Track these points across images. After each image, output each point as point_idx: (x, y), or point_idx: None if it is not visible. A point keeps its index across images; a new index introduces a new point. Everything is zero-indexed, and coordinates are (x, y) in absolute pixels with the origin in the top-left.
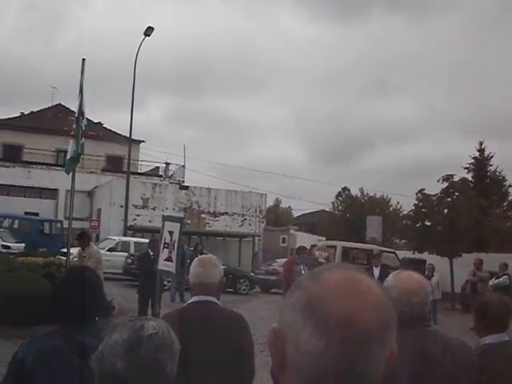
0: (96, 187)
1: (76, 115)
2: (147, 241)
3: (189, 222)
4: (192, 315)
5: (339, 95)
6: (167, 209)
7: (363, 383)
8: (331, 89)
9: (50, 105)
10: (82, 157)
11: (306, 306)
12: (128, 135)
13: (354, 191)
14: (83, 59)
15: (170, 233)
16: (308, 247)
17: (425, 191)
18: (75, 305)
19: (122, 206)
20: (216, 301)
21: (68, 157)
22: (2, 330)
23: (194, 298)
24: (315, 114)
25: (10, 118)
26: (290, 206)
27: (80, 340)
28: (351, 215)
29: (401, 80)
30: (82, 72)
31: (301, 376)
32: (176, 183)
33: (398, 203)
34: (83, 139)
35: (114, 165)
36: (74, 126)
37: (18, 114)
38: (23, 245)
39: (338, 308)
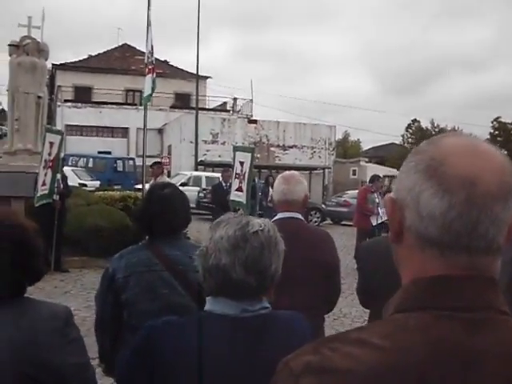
0: (166, 124)
1: (149, 50)
2: (218, 175)
3: (258, 156)
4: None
5: (409, 23)
6: (236, 143)
7: (485, 244)
8: (401, 17)
9: (117, 45)
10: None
11: (428, 167)
12: (195, 72)
13: (425, 123)
14: None
15: (241, 163)
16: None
17: (501, 119)
18: (160, 219)
19: (191, 142)
20: (301, 217)
21: (146, 93)
22: (85, 261)
23: (279, 215)
24: (385, 44)
25: (78, 61)
26: (358, 139)
27: (166, 253)
28: None
29: (476, 3)
30: (149, 6)
31: (420, 240)
32: (244, 117)
33: (471, 134)
34: (154, 75)
35: (182, 101)
36: (149, 61)
37: (86, 57)
38: (98, 182)
39: (460, 168)
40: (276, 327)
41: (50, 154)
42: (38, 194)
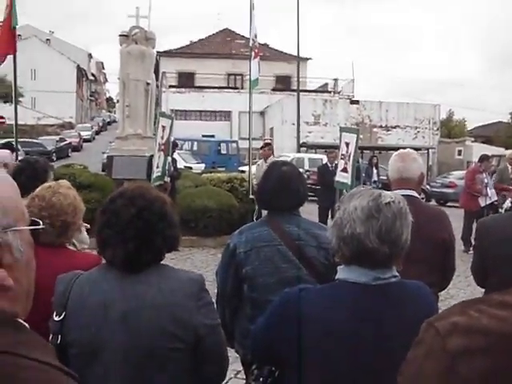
0: (267, 107)
1: (254, 34)
2: (320, 157)
3: (361, 136)
4: None
5: None
6: (338, 124)
7: None
8: None
9: (217, 30)
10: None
11: None
12: (295, 53)
13: None
14: None
15: (347, 144)
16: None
17: None
18: (279, 196)
19: (293, 124)
20: (417, 195)
21: (253, 77)
22: (194, 240)
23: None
24: (492, 19)
25: (180, 47)
26: (463, 118)
27: (284, 228)
28: None
29: None
30: None
31: None
32: (346, 98)
33: None
34: (258, 58)
35: (283, 84)
36: (254, 44)
37: (188, 43)
38: (203, 165)
39: None
40: (406, 295)
41: (162, 138)
42: (154, 176)
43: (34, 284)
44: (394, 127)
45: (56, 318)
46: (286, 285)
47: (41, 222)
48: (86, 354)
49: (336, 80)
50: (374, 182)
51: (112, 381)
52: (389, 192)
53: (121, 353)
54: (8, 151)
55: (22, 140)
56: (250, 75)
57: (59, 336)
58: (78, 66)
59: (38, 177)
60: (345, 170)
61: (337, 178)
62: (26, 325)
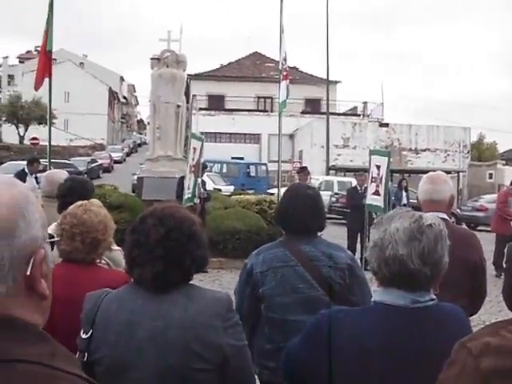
0: (297, 130)
1: (283, 56)
2: (350, 179)
3: (390, 159)
4: None
5: None
6: (368, 147)
7: None
8: None
9: (247, 54)
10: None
11: None
12: (324, 77)
13: None
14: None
15: (377, 167)
16: None
17: None
18: (298, 218)
19: (322, 147)
20: (446, 217)
21: (281, 99)
22: (222, 262)
23: None
24: None
25: (211, 70)
26: (494, 141)
27: (301, 249)
28: None
29: None
30: (281, 13)
31: None
32: (375, 121)
33: None
34: (287, 81)
35: (312, 107)
36: (284, 67)
37: (218, 66)
38: (232, 187)
39: None
40: (444, 318)
41: (193, 159)
42: (186, 197)
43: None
44: (424, 150)
45: (83, 336)
46: (303, 305)
47: (55, 235)
48: (113, 372)
49: (365, 103)
50: (404, 205)
51: None
52: (427, 215)
53: (147, 372)
54: (65, 172)
55: (54, 161)
56: (279, 97)
57: (86, 353)
58: (110, 88)
59: (87, 196)
60: (376, 192)
61: (368, 201)
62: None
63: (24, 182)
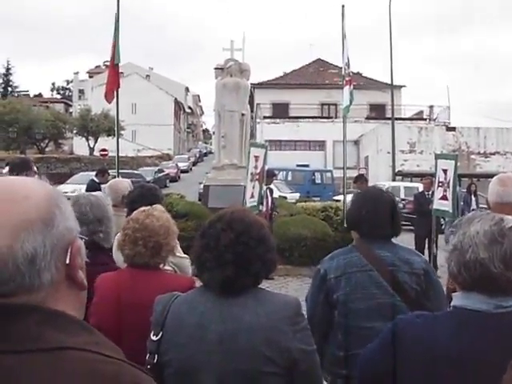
0: (362, 136)
1: (345, 62)
2: (416, 185)
3: (458, 164)
4: None
5: None
6: (434, 151)
7: None
8: None
9: (310, 61)
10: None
11: None
12: (389, 81)
13: None
14: (343, 6)
15: (444, 171)
16: None
17: None
18: (373, 223)
19: (388, 152)
20: None
21: (345, 104)
22: (289, 269)
23: None
24: None
25: (274, 78)
26: None
27: (375, 254)
28: None
29: None
30: (343, 17)
31: None
32: (442, 125)
33: None
34: (352, 86)
35: (377, 112)
36: (346, 72)
37: (281, 74)
38: (298, 194)
39: None
40: None
41: (256, 167)
42: (248, 205)
43: None
44: (494, 154)
45: (153, 338)
46: (378, 311)
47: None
48: (182, 375)
49: (431, 107)
50: (473, 210)
51: None
52: (507, 216)
53: (216, 374)
54: (128, 180)
55: (122, 171)
56: (337, 104)
57: (156, 355)
58: (176, 99)
59: (156, 203)
60: (444, 197)
61: (435, 206)
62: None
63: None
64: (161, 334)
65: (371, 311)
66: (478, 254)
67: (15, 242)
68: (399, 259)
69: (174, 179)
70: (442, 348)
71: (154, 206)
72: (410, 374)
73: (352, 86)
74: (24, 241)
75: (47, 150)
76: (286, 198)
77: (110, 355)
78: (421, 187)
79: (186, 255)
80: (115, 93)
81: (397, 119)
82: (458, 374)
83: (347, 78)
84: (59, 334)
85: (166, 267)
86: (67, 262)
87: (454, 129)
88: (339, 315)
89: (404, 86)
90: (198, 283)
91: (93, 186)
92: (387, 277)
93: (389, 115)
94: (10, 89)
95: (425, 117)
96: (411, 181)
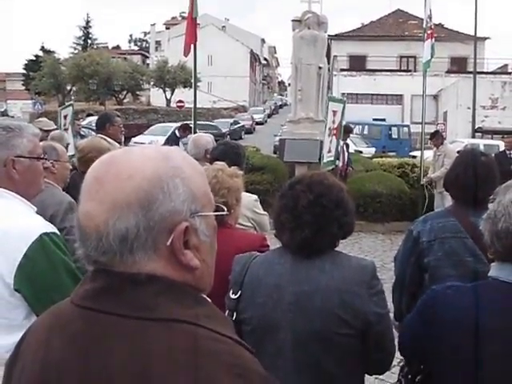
0: (441, 90)
1: (427, 14)
2: (497, 143)
3: None
4: None
5: None
6: None
7: None
8: None
9: (389, 12)
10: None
11: None
12: (472, 33)
13: None
14: None
15: None
16: None
17: None
18: (468, 187)
19: (469, 108)
20: None
21: (425, 59)
22: (362, 225)
23: None
24: None
25: (352, 30)
26: None
27: (472, 220)
28: None
29: None
30: None
31: None
32: None
33: None
34: (433, 40)
35: (458, 66)
36: (428, 25)
37: (360, 25)
38: (374, 149)
39: None
40: None
41: (333, 122)
42: (325, 160)
43: (214, 263)
44: None
45: (232, 296)
46: (470, 279)
47: (225, 208)
48: (259, 332)
49: None
50: None
51: (283, 359)
52: None
53: (291, 333)
54: (211, 136)
55: (199, 123)
56: (423, 57)
57: (234, 313)
58: (252, 51)
59: (238, 161)
60: None
61: None
62: (209, 300)
63: (176, 145)
64: (239, 292)
65: (463, 278)
66: (510, 224)
67: (110, 219)
68: None
69: (250, 131)
70: (470, 319)
71: (217, 163)
72: (441, 343)
73: (433, 39)
74: (118, 219)
75: (125, 101)
76: (361, 152)
77: (219, 331)
78: (502, 146)
79: (265, 212)
80: (192, 46)
81: (479, 73)
82: (486, 345)
83: (429, 32)
84: (170, 304)
85: (247, 223)
86: (168, 243)
87: None
88: (430, 279)
89: (488, 38)
90: (270, 241)
91: (173, 139)
92: (482, 245)
93: (470, 69)
94: (89, 41)
95: (509, 71)
96: (492, 138)
